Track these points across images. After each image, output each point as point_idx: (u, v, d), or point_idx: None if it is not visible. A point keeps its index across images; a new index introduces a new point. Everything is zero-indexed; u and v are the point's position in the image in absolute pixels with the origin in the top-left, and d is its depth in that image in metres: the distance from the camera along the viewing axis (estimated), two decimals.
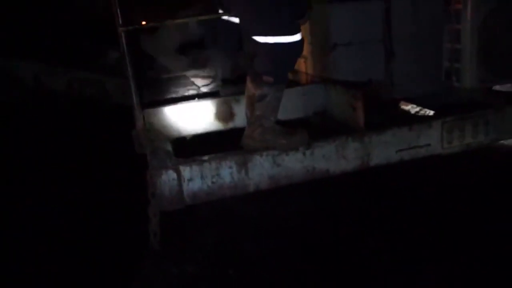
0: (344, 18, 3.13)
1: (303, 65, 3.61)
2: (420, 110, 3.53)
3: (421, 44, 3.25)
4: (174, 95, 4.29)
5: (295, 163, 2.45)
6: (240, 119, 2.96)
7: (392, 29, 3.09)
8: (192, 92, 4.32)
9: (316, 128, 3.03)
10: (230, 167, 2.35)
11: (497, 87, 3.33)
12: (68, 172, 3.40)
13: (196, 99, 3.01)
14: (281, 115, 2.61)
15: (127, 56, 2.55)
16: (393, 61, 3.15)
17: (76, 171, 3.41)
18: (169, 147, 2.52)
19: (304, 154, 2.45)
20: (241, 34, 3.48)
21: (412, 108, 3.56)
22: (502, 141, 3.09)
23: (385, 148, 2.58)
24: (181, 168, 2.29)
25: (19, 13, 5.82)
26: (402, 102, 3.57)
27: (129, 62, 2.57)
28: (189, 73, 5.23)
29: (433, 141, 2.69)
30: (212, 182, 2.35)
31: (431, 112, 3.35)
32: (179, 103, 2.99)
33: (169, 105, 2.96)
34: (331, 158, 2.50)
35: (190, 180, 2.31)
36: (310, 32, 3.40)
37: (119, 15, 2.50)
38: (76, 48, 5.64)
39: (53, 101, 4.95)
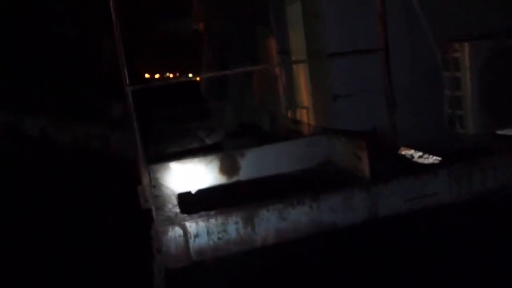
0: (344, 70, 3.18)
1: (306, 116, 3.65)
2: (425, 156, 3.52)
3: (422, 92, 3.29)
4: (178, 148, 4.31)
5: (302, 217, 2.42)
6: (245, 173, 2.96)
7: (392, 78, 3.13)
8: (196, 145, 4.34)
9: (321, 179, 3.02)
10: (236, 223, 2.33)
11: (501, 132, 3.34)
12: (71, 227, 3.38)
13: (201, 153, 3.00)
14: (286, 167, 2.61)
15: (133, 114, 2.57)
16: (395, 110, 3.17)
17: (80, 226, 3.39)
18: (175, 203, 2.51)
19: (311, 207, 2.43)
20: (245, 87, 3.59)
21: (418, 156, 3.56)
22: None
23: (393, 198, 2.56)
24: (187, 224, 2.27)
25: (26, 68, 5.94)
26: (406, 149, 3.57)
27: (135, 119, 2.59)
28: (193, 124, 5.27)
29: (441, 190, 2.66)
30: (219, 238, 2.32)
31: (437, 159, 3.35)
32: (184, 158, 3.00)
33: (174, 160, 2.96)
34: (338, 210, 2.47)
35: (196, 236, 2.29)
36: (311, 84, 3.46)
37: (126, 74, 2.55)
38: (82, 102, 5.73)
39: (59, 154, 4.98)
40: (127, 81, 2.54)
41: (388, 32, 2.98)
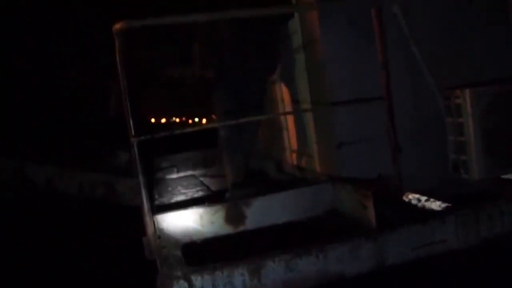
0: (348, 117, 3.21)
1: (311, 163, 3.66)
2: (431, 202, 3.51)
3: (426, 138, 3.31)
4: (183, 197, 4.31)
5: (309, 267, 2.40)
6: (251, 222, 2.96)
7: (396, 124, 3.15)
8: (201, 193, 4.34)
9: (327, 228, 3.00)
10: (242, 275, 2.31)
11: (506, 176, 3.34)
12: (77, 275, 3.35)
13: (206, 203, 3.00)
14: (291, 216, 2.61)
15: (139, 165, 2.59)
16: (400, 156, 3.18)
17: (85, 275, 3.37)
18: (179, 255, 2.49)
19: (317, 257, 2.41)
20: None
21: (424, 202, 3.54)
22: None
23: (400, 247, 2.54)
24: (192, 277, 2.25)
25: (32, 116, 6.02)
26: (412, 195, 3.56)
27: (141, 170, 2.60)
28: (198, 172, 5.30)
29: (449, 237, 2.65)
30: None
31: (443, 204, 3.34)
32: (189, 207, 3.00)
33: (179, 210, 2.96)
34: (345, 260, 2.45)
35: None
36: (316, 131, 3.49)
37: (132, 125, 2.58)
38: (87, 150, 5.77)
39: (65, 203, 4.99)
40: (133, 132, 2.57)
41: (391, 80, 3.02)
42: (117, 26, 2.47)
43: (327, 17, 3.26)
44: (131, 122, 2.57)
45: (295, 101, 3.93)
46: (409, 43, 3.25)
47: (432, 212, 3.26)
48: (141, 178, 2.62)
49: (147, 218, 2.75)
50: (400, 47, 3.25)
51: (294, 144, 4.08)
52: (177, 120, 20.66)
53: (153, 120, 16.12)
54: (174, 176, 5.46)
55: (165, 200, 4.26)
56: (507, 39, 3.02)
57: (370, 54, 3.11)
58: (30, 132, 5.63)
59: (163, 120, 19.60)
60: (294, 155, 4.09)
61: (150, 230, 2.76)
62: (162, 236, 2.84)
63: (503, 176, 3.30)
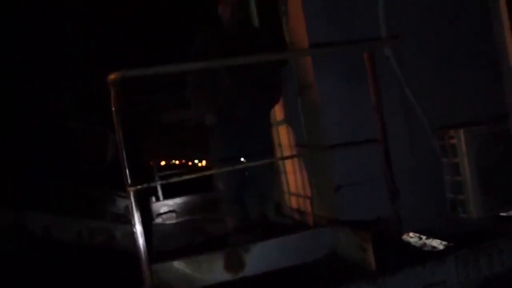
0: (345, 160, 3.24)
1: (309, 206, 3.66)
2: (431, 242, 3.50)
3: (423, 178, 3.33)
4: (182, 243, 4.28)
5: None
6: (251, 269, 2.94)
7: (392, 166, 3.17)
8: (201, 239, 4.31)
9: (327, 272, 2.98)
10: None
11: (504, 213, 3.34)
12: None
13: (205, 250, 2.99)
14: (291, 260, 2.60)
15: (136, 213, 2.59)
16: (398, 197, 3.19)
17: None
18: None
19: None
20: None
21: (423, 242, 3.53)
22: None
23: None
24: None
25: (29, 165, 6.03)
26: (411, 234, 3.55)
27: (138, 219, 2.60)
28: (198, 216, 5.28)
29: (449, 277, 2.63)
30: None
31: (443, 243, 3.33)
32: (188, 255, 2.98)
33: (178, 259, 2.94)
34: None
35: None
36: (313, 175, 3.51)
37: (128, 174, 2.60)
38: (85, 197, 5.76)
39: (63, 251, 4.96)
40: (129, 181, 2.59)
41: (385, 122, 3.06)
42: (112, 76, 2.51)
43: (321, 61, 3.32)
44: (127, 171, 2.58)
45: (292, 144, 3.96)
46: (401, 84, 3.30)
47: (431, 252, 3.24)
48: (138, 228, 2.62)
49: (145, 269, 2.74)
50: (393, 89, 3.30)
51: (292, 187, 4.09)
52: (177, 162, 20.70)
53: (151, 163, 16.14)
54: (174, 221, 5.43)
55: (165, 246, 4.23)
56: (497, 78, 3.07)
57: (364, 96, 3.16)
58: (28, 181, 5.64)
59: (163, 163, 19.63)
60: (293, 198, 4.09)
61: (148, 280, 2.75)
62: (161, 285, 2.81)
63: (501, 214, 3.31)
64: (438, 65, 3.45)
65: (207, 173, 2.77)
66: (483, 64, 3.41)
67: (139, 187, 2.58)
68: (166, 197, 5.75)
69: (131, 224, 2.73)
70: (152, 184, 2.63)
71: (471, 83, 3.46)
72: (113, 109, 2.59)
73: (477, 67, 3.46)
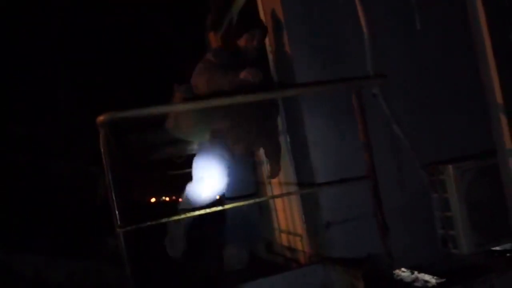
0: (334, 197, 3.25)
1: (300, 244, 3.65)
2: (423, 276, 3.49)
3: (413, 214, 3.34)
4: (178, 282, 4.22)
5: None
6: None
7: (382, 202, 3.18)
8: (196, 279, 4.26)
9: None
10: None
11: (495, 248, 3.35)
12: None
13: None
14: None
15: (126, 255, 2.58)
16: (388, 234, 3.19)
17: None
18: None
19: None
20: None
21: (415, 275, 3.52)
22: None
23: None
24: None
25: (18, 206, 5.99)
26: (403, 269, 3.54)
27: (128, 260, 2.59)
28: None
29: None
30: None
31: (434, 278, 3.31)
32: None
33: None
34: None
35: None
36: (304, 212, 3.50)
37: (117, 215, 2.60)
38: (76, 238, 5.71)
39: None
40: (119, 222, 2.59)
41: (374, 159, 3.09)
42: (101, 118, 2.54)
43: (309, 99, 3.36)
44: (116, 211, 2.59)
45: (282, 181, 3.96)
46: (389, 121, 3.35)
47: None
48: (128, 269, 2.60)
49: None
50: (381, 126, 3.34)
51: (283, 224, 4.08)
52: (167, 199, 20.56)
53: (144, 201, 16.03)
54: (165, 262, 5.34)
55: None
56: (485, 113, 3.13)
57: (353, 134, 3.20)
58: (17, 222, 5.58)
59: (153, 200, 19.50)
60: (284, 236, 4.07)
61: None
62: None
63: (492, 249, 3.32)
64: (425, 101, 3.51)
65: (194, 214, 2.76)
66: (471, 100, 3.47)
67: (128, 228, 2.58)
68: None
69: (123, 264, 2.72)
70: (142, 225, 2.62)
71: (459, 119, 3.52)
72: (102, 150, 2.61)
73: (465, 103, 3.53)
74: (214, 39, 5.22)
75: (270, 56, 3.79)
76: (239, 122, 3.54)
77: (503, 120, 2.89)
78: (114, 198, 2.62)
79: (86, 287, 4.89)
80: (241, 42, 3.60)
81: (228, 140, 3.58)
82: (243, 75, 3.28)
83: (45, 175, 6.65)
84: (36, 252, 5.13)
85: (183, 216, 2.69)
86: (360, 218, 3.22)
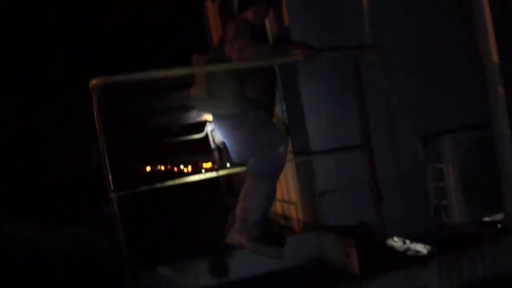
0: (329, 166, 3.25)
1: (294, 212, 3.67)
2: (415, 245, 3.52)
3: (407, 184, 3.35)
4: (169, 249, 4.25)
5: None
6: (235, 273, 2.94)
7: (377, 171, 3.19)
8: (187, 245, 4.28)
9: (312, 276, 2.99)
10: None
11: (487, 218, 3.38)
12: None
13: (190, 256, 2.99)
14: (276, 265, 2.62)
15: (119, 219, 2.59)
16: (381, 203, 3.20)
17: None
18: None
19: None
20: None
21: (406, 246, 3.55)
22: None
23: None
24: None
25: (12, 172, 5.98)
26: (395, 239, 3.57)
27: (121, 225, 2.60)
28: (183, 221, 5.25)
29: (432, 281, 2.66)
30: None
31: (426, 247, 3.35)
32: (173, 261, 2.98)
33: (162, 264, 2.93)
34: None
35: None
36: (298, 181, 3.51)
37: (111, 180, 2.60)
38: (70, 203, 5.72)
39: (47, 258, 4.90)
40: (112, 186, 2.59)
41: (370, 129, 3.08)
42: (93, 82, 2.51)
43: (307, 68, 3.33)
44: (110, 177, 2.58)
45: None
46: (387, 91, 3.33)
47: (414, 257, 3.26)
48: (121, 233, 2.61)
49: (128, 274, 2.73)
50: (378, 95, 3.32)
51: (278, 192, 4.08)
52: (162, 168, 20.58)
53: (139, 169, 16.04)
54: (158, 227, 5.39)
55: (150, 252, 4.20)
56: (482, 86, 3.11)
57: (350, 103, 3.19)
58: (11, 188, 5.58)
59: (148, 169, 19.50)
60: (278, 204, 4.09)
61: (131, 286, 2.74)
62: None
63: (484, 219, 3.35)
64: (423, 72, 3.48)
65: (189, 179, 2.76)
66: (468, 72, 3.45)
67: (121, 193, 2.58)
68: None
69: (115, 230, 2.73)
70: (136, 191, 2.62)
71: (456, 91, 3.50)
72: (95, 115, 2.59)
73: (463, 75, 3.50)
74: (211, 9, 5.13)
75: (268, 25, 3.73)
76: (265, 90, 3.25)
77: (500, 91, 2.87)
78: (107, 163, 2.62)
79: (79, 252, 4.91)
80: (248, 15, 3.26)
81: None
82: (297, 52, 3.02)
83: (39, 142, 6.63)
84: (29, 218, 5.14)
85: (177, 181, 2.67)
86: (355, 187, 3.23)
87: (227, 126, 3.12)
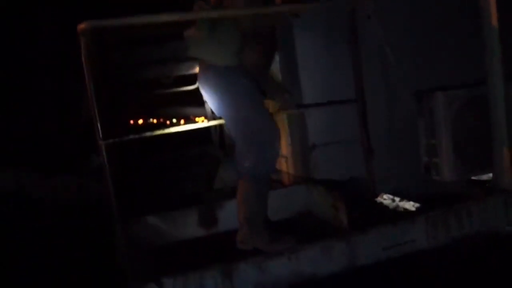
0: (321, 119, 3.23)
1: (285, 165, 3.66)
2: (405, 202, 3.55)
3: (398, 140, 3.34)
4: (157, 199, 4.27)
5: (281, 269, 2.40)
6: (224, 225, 2.95)
7: (368, 126, 3.17)
8: (177, 196, 4.30)
9: (300, 229, 3.01)
10: (214, 277, 2.30)
11: (476, 177, 3.40)
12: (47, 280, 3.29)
13: (179, 206, 2.99)
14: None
15: (108, 168, 2.57)
16: (372, 158, 3.20)
17: (56, 279, 3.30)
18: (151, 258, 2.48)
19: (289, 258, 2.41)
20: None
21: (396, 203, 3.58)
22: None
23: (371, 247, 2.56)
24: (164, 280, 2.23)
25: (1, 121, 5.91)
26: (384, 197, 3.60)
27: (110, 174, 2.58)
28: (173, 174, 5.27)
29: (418, 237, 2.68)
30: None
31: (414, 204, 3.38)
32: (162, 210, 2.98)
33: (152, 213, 2.94)
34: (317, 260, 2.46)
35: None
36: (289, 134, 3.49)
37: (100, 128, 2.56)
38: (59, 153, 5.70)
39: (37, 207, 4.91)
40: (100, 135, 2.56)
41: (364, 83, 3.05)
42: (82, 26, 2.42)
43: (301, 19, 3.26)
44: (98, 125, 2.55)
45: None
46: (382, 45, 3.27)
47: (402, 213, 3.30)
48: (109, 181, 2.60)
49: (117, 224, 2.73)
50: (373, 49, 3.27)
51: None
52: (154, 121, 20.50)
53: (131, 122, 15.94)
54: (149, 178, 5.40)
55: (139, 203, 4.22)
56: (479, 43, 3.07)
57: (344, 56, 3.14)
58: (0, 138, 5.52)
59: (140, 122, 19.40)
60: None
61: (120, 234, 2.74)
62: (134, 239, 2.81)
63: (473, 178, 3.37)
64: (420, 27, 3.42)
65: (179, 128, 2.74)
66: (465, 29, 3.39)
67: (110, 141, 2.55)
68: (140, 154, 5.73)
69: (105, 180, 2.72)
70: (125, 139, 2.59)
71: (452, 47, 3.45)
72: (83, 59, 2.53)
73: (459, 32, 3.44)
74: None
75: None
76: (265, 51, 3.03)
77: (496, 48, 2.82)
78: (95, 110, 2.58)
79: (68, 201, 4.93)
80: None
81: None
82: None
83: (29, 91, 6.54)
84: (18, 167, 5.12)
85: (166, 131, 2.64)
86: (346, 141, 3.22)
87: (215, 82, 2.77)
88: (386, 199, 3.57)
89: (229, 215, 2.93)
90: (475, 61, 3.09)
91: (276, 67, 3.60)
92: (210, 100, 2.85)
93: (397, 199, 3.54)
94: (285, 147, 3.66)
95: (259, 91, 2.77)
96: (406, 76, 3.32)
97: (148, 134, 2.61)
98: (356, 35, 3.04)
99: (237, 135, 2.72)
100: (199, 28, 2.72)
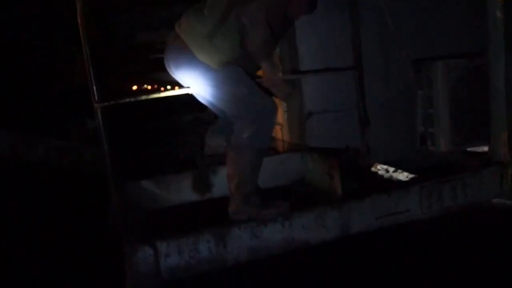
0: (317, 87, 3.21)
1: (280, 133, 3.65)
2: (399, 173, 3.56)
3: (395, 110, 3.33)
4: (152, 165, 4.26)
5: (274, 235, 2.41)
6: (218, 190, 2.95)
7: (365, 96, 3.15)
8: (171, 162, 4.30)
9: (294, 196, 3.01)
10: (208, 241, 2.31)
11: (470, 149, 3.40)
12: (42, 244, 3.30)
13: (174, 171, 2.99)
14: (260, 184, 2.61)
15: (103, 131, 2.55)
16: (368, 127, 3.19)
17: (51, 243, 3.31)
18: (145, 222, 2.48)
19: (283, 225, 2.42)
20: None
21: (390, 172, 3.59)
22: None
23: (365, 216, 2.57)
24: (158, 243, 2.24)
25: None
26: (380, 165, 3.60)
27: (105, 137, 2.56)
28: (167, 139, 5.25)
29: (412, 207, 2.69)
30: (190, 257, 2.30)
31: (410, 175, 3.38)
32: (156, 175, 2.97)
33: (146, 178, 2.93)
34: (310, 228, 2.47)
35: (167, 255, 2.26)
36: (286, 101, 3.46)
37: (95, 91, 2.53)
38: (53, 117, 5.65)
39: (30, 170, 4.89)
40: (96, 97, 2.53)
41: (362, 51, 3.01)
42: None
43: None
44: (94, 88, 2.52)
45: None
46: (382, 13, 3.22)
47: (397, 182, 3.30)
48: (105, 145, 2.58)
49: (112, 187, 2.73)
50: (372, 17, 3.23)
51: None
52: (149, 87, 20.38)
53: (125, 87, 15.85)
54: (144, 143, 5.39)
55: (133, 167, 4.21)
56: (480, 13, 3.02)
57: (343, 24, 3.09)
58: None
59: (135, 87, 19.30)
60: None
61: (115, 198, 2.74)
62: (129, 203, 2.81)
63: (468, 149, 3.37)
64: None
65: (174, 93, 2.70)
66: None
67: (106, 103, 2.52)
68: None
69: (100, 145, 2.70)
70: (120, 102, 2.56)
71: (453, 18, 3.41)
72: (79, 22, 2.49)
73: (461, 2, 3.39)
74: None
75: None
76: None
77: (499, 16, 2.78)
78: (91, 73, 2.54)
79: (62, 164, 4.91)
80: None
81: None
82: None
83: (24, 52, 6.44)
84: (13, 130, 5.08)
85: (161, 94, 2.61)
86: (342, 110, 3.21)
87: (208, 76, 2.51)
88: (380, 169, 3.57)
89: (222, 181, 2.92)
90: (476, 31, 3.06)
91: None
92: (192, 82, 2.62)
93: (391, 169, 3.54)
94: (281, 114, 3.65)
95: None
96: (406, 44, 3.27)
97: (144, 97, 2.58)
98: (355, 2, 2.99)
99: (233, 113, 2.63)
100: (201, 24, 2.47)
